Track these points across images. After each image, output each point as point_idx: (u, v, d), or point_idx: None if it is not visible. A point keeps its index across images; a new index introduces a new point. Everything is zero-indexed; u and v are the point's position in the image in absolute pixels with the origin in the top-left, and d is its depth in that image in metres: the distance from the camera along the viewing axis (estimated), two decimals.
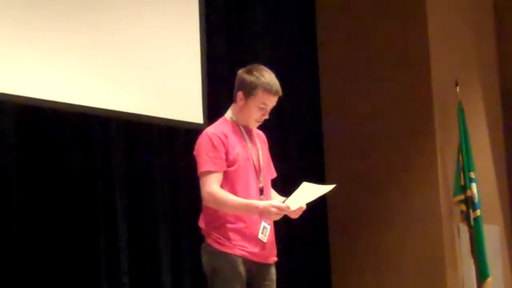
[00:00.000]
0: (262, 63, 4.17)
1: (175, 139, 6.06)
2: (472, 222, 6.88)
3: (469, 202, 6.89)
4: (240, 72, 4.08)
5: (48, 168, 5.23)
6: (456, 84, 7.13)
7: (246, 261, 3.94)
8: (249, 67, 4.08)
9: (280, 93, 4.05)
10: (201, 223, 4.03)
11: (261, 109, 4.03)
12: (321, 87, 7.61)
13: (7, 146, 5.03)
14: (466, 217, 6.92)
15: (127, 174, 5.68)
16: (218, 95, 6.01)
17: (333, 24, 7.58)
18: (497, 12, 8.36)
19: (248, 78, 4.02)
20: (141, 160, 5.82)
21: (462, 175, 6.93)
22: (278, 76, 4.08)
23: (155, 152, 5.96)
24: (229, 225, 3.93)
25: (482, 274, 6.84)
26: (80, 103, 5.20)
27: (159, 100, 5.70)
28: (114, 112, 5.45)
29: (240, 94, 4.03)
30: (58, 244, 5.20)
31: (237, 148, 3.98)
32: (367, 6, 7.42)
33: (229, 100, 4.14)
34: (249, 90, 4.00)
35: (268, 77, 4.01)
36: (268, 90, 4.00)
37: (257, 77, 4.00)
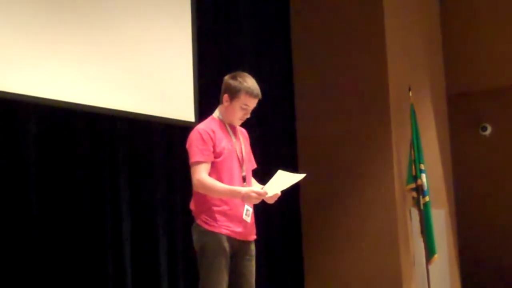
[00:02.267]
0: (246, 68, 4.18)
1: (172, 135, 6.02)
2: (422, 207, 6.89)
3: (420, 190, 6.90)
4: (226, 78, 4.09)
5: (63, 158, 5.17)
6: (409, 89, 7.15)
7: (230, 239, 3.94)
8: (233, 73, 4.08)
9: (260, 96, 4.06)
10: (192, 206, 4.03)
11: (243, 109, 4.04)
12: (295, 91, 7.59)
13: (27, 141, 4.98)
14: (417, 203, 6.94)
15: (130, 164, 5.64)
16: (207, 97, 5.98)
17: (306, 38, 7.57)
18: (444, 24, 8.39)
19: (233, 83, 4.02)
20: (141, 153, 5.78)
21: (413, 167, 6.94)
22: (258, 79, 4.10)
23: (155, 146, 5.93)
24: (215, 208, 3.94)
25: (430, 251, 6.86)
26: (88, 103, 5.17)
27: (156, 101, 5.66)
28: (117, 111, 5.41)
29: (226, 97, 4.04)
30: (70, 221, 5.15)
31: (223, 142, 3.99)
32: (334, 27, 7.38)
33: (217, 101, 4.14)
34: (233, 93, 4.01)
35: (250, 82, 4.03)
36: (250, 94, 4.01)
37: (240, 82, 4.01)
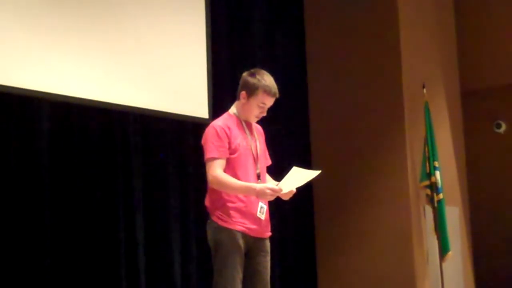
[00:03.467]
0: (259, 65, 4.17)
1: (185, 133, 6.03)
2: (435, 204, 6.89)
3: (433, 187, 6.89)
4: (245, 74, 4.07)
5: (77, 153, 5.20)
6: (423, 87, 7.13)
7: (245, 236, 3.93)
8: (252, 70, 4.07)
9: (278, 95, 4.04)
10: (207, 202, 4.03)
11: (260, 107, 4.03)
12: (310, 90, 7.59)
13: (40, 137, 5.00)
14: (430, 200, 6.92)
15: (143, 161, 5.65)
16: (221, 94, 5.99)
17: (321, 39, 7.55)
18: (458, 20, 8.36)
19: (251, 80, 4.01)
20: (156, 151, 5.80)
21: (427, 164, 6.93)
22: (272, 77, 4.08)
23: (168, 144, 5.94)
24: (230, 204, 3.93)
25: (443, 248, 6.85)
26: (102, 99, 5.19)
27: (171, 97, 5.68)
28: (133, 108, 5.43)
29: (243, 93, 4.03)
30: (84, 216, 5.17)
31: (238, 139, 3.98)
32: (350, 27, 7.37)
33: (230, 98, 4.14)
34: (251, 90, 4.00)
35: (268, 80, 4.02)
36: (268, 92, 4.00)
37: (259, 80, 4.00)
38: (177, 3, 5.85)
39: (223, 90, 6.02)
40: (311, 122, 7.54)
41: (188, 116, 5.83)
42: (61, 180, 5.06)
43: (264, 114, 4.08)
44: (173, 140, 5.97)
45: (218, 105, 5.65)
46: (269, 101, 4.03)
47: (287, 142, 7.06)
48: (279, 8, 7.32)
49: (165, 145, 5.92)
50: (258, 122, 4.18)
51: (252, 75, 4.03)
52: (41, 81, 4.79)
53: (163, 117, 5.71)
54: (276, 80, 4.08)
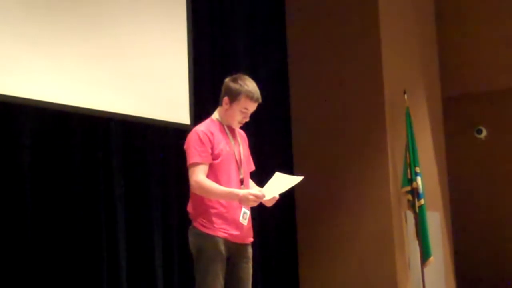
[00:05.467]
0: (241, 71, 4.16)
1: (166, 137, 6.00)
2: (417, 210, 6.89)
3: (415, 193, 6.90)
4: (227, 80, 4.06)
5: (59, 160, 5.15)
6: (404, 93, 7.15)
7: (227, 242, 3.91)
8: (234, 76, 4.06)
9: (260, 100, 4.03)
10: (189, 208, 4.01)
11: (243, 112, 4.01)
12: (291, 94, 7.58)
13: (24, 140, 4.94)
14: (412, 205, 6.93)
15: (125, 167, 5.62)
16: (202, 100, 5.98)
17: (303, 47, 7.55)
18: (439, 28, 8.41)
19: (234, 86, 4.00)
20: (136, 154, 5.76)
21: (409, 170, 6.93)
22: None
23: (149, 148, 5.91)
24: (212, 210, 3.91)
25: (425, 253, 6.86)
26: (84, 105, 5.14)
27: (152, 103, 5.65)
28: (114, 114, 5.39)
29: (226, 99, 4.01)
30: (67, 219, 5.13)
31: (221, 144, 3.96)
32: (332, 35, 7.37)
33: (212, 104, 4.12)
34: (234, 96, 3.99)
35: (250, 86, 4.00)
36: (250, 97, 3.99)
37: (241, 85, 3.99)
38: (159, 11, 5.82)
39: (204, 97, 6.02)
40: (293, 128, 7.53)
41: (170, 122, 5.80)
42: (41, 187, 5.00)
43: (247, 120, 4.07)
44: (155, 145, 5.94)
45: (199, 111, 5.63)
46: (252, 107, 4.02)
47: (269, 148, 7.03)
48: (261, 16, 7.32)
49: (147, 149, 5.88)
50: (241, 128, 4.16)
51: (235, 80, 4.02)
52: (24, 87, 4.74)
53: (145, 123, 5.67)
54: (258, 85, 4.06)
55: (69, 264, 5.05)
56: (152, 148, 5.91)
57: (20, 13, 4.76)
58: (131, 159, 5.68)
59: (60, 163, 5.15)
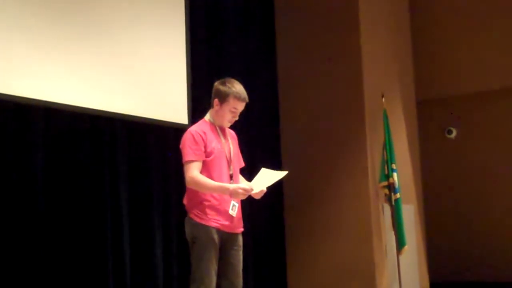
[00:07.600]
0: (235, 75, 4.16)
1: (167, 136, 5.98)
2: (393, 203, 6.87)
3: (391, 187, 6.88)
4: (216, 83, 4.08)
5: (65, 157, 5.12)
6: (382, 96, 7.15)
7: (219, 231, 3.92)
8: (223, 80, 4.07)
9: (247, 100, 4.05)
10: (185, 201, 4.02)
11: (232, 112, 4.03)
12: (280, 96, 7.58)
13: (35, 139, 4.92)
14: (388, 199, 6.92)
15: (129, 162, 5.59)
16: (199, 102, 5.96)
17: (290, 51, 7.55)
18: (414, 36, 8.41)
19: (222, 88, 4.02)
20: (140, 152, 5.74)
21: (386, 166, 6.92)
22: (246, 85, 4.09)
23: (152, 146, 5.88)
24: (206, 203, 3.92)
25: (400, 242, 6.85)
26: (89, 106, 5.12)
27: (153, 105, 5.64)
28: (119, 114, 5.38)
29: (216, 101, 4.03)
30: (76, 215, 5.08)
31: (213, 143, 3.97)
32: (318, 41, 7.35)
33: (208, 105, 4.12)
34: (223, 97, 4.00)
35: (238, 87, 4.02)
36: (238, 98, 4.00)
37: (229, 87, 4.00)
38: (158, 17, 5.81)
39: (201, 99, 5.99)
40: (281, 126, 7.53)
41: (169, 122, 5.79)
42: (52, 186, 4.94)
43: (236, 118, 4.08)
44: (156, 143, 5.91)
45: (196, 112, 5.62)
46: (240, 106, 4.04)
47: (259, 145, 7.02)
48: (253, 28, 7.32)
49: (149, 148, 5.86)
50: (231, 127, 4.17)
51: (223, 83, 4.04)
52: (35, 89, 4.73)
53: (146, 122, 5.66)
54: (249, 89, 4.08)
55: (78, 256, 5.02)
56: (153, 146, 5.89)
57: (34, 23, 4.75)
58: (134, 157, 5.66)
59: (68, 162, 5.10)
